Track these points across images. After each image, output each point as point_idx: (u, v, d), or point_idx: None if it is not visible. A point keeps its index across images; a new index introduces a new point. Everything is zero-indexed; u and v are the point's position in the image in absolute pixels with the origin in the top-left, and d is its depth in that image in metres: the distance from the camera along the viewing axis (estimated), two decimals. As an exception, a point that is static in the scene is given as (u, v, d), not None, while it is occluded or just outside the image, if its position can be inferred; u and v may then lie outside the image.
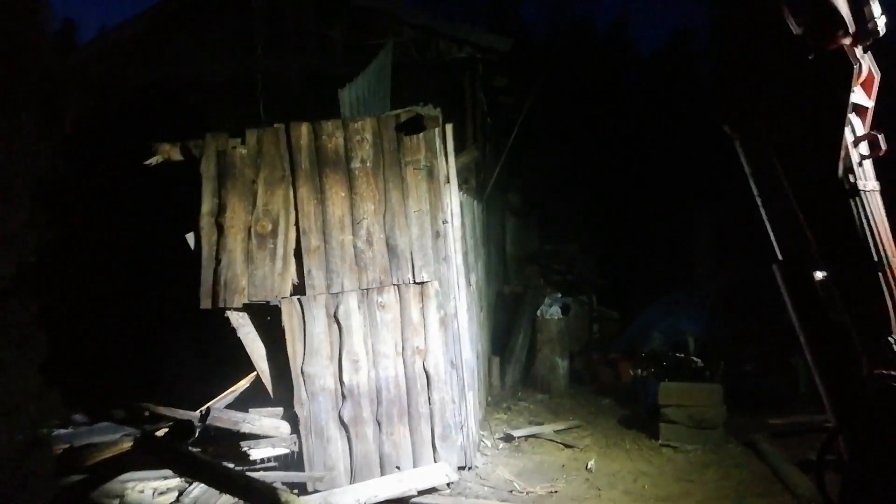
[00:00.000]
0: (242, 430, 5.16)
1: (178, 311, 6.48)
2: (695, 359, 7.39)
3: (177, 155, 5.61)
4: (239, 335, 5.43)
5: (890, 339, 2.41)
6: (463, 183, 7.35)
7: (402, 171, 5.53)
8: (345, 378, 5.36)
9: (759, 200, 2.82)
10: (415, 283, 5.44)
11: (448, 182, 5.70)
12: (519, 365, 9.14)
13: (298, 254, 5.49)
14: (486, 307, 8.48)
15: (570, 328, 9.53)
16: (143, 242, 7.51)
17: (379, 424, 5.40)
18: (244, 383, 5.59)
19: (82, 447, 5.08)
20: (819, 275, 2.66)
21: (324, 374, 5.36)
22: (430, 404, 5.45)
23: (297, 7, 8.61)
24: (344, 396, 5.37)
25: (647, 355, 7.99)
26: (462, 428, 5.56)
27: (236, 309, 5.41)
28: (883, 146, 2.49)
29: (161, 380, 6.41)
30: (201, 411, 5.15)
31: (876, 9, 2.41)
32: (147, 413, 5.26)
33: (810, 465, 5.49)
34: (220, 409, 5.21)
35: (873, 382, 2.43)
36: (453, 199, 5.77)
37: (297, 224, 5.51)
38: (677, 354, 7.62)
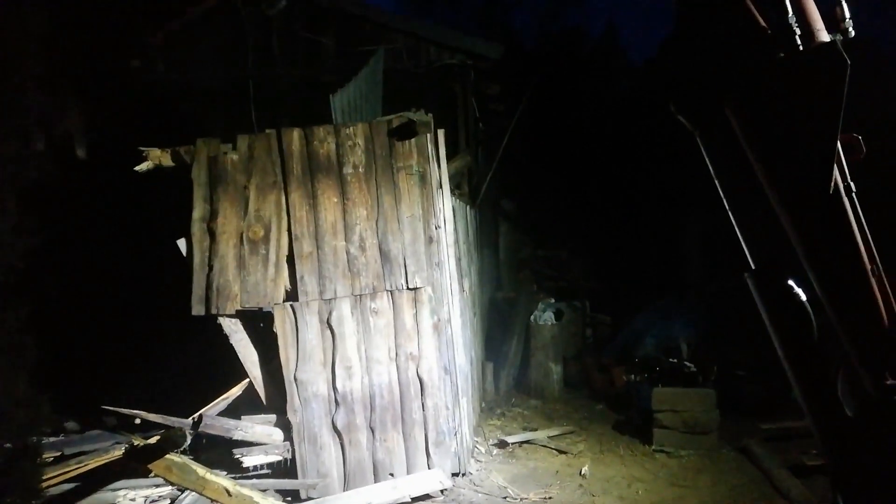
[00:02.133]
0: (235, 438, 5.12)
1: (171, 317, 6.45)
2: (687, 364, 7.40)
3: (168, 161, 5.59)
4: (231, 342, 5.39)
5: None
6: (455, 188, 7.35)
7: (394, 176, 5.53)
8: (338, 384, 5.33)
9: (726, 203, 2.60)
10: (408, 288, 5.42)
11: (441, 187, 5.70)
12: (513, 370, 9.13)
13: (291, 260, 5.47)
14: (480, 313, 8.47)
15: (564, 333, 9.53)
16: (135, 249, 7.46)
17: (372, 431, 5.37)
18: (236, 390, 5.55)
19: (73, 455, 5.02)
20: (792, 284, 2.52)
21: (317, 381, 5.33)
22: (423, 410, 5.42)
23: (288, 15, 8.60)
24: (337, 403, 5.34)
25: (640, 361, 7.99)
26: (456, 434, 5.54)
27: (228, 315, 5.37)
28: (863, 148, 2.41)
29: (153, 387, 6.36)
30: (193, 418, 5.11)
31: (846, 10, 2.37)
32: (138, 420, 5.21)
33: (803, 469, 5.52)
34: (213, 417, 5.17)
35: (884, 395, 2.33)
36: (446, 204, 5.77)
37: (289, 230, 5.49)
38: (670, 360, 7.62)
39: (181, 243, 5.44)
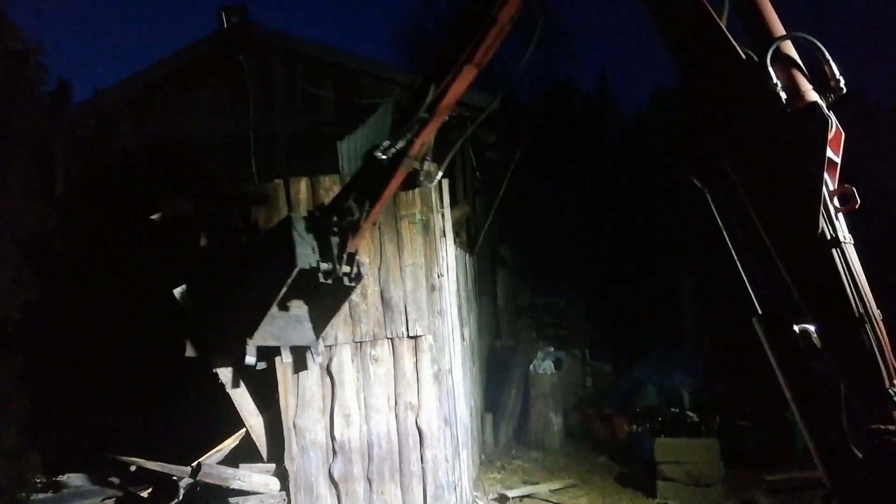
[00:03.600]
0: (232, 487, 5.00)
1: (166, 364, 6.44)
2: (690, 414, 7.31)
3: (187, 208, 5.71)
4: (228, 391, 5.32)
5: (891, 391, 2.38)
6: (454, 237, 7.38)
7: (397, 224, 5.55)
8: (336, 433, 5.26)
9: (734, 253, 2.78)
10: (408, 336, 5.38)
11: (444, 236, 5.73)
12: (512, 421, 8.98)
13: (293, 305, 5.46)
14: (479, 361, 8.39)
15: (564, 383, 9.43)
16: (131, 298, 7.43)
17: (370, 482, 5.25)
18: (230, 442, 5.42)
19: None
20: (799, 328, 2.61)
21: (315, 428, 5.26)
22: (422, 462, 5.31)
23: (287, 68, 8.80)
24: (335, 452, 5.25)
25: (641, 410, 7.91)
26: (455, 489, 5.41)
27: (225, 366, 5.32)
28: (857, 199, 2.52)
29: (148, 434, 6.25)
30: (192, 466, 5.01)
31: (835, 69, 2.52)
32: (134, 468, 5.12)
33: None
34: (211, 465, 5.04)
35: (870, 438, 2.38)
36: (449, 252, 5.78)
37: (293, 276, 5.48)
38: (672, 409, 7.53)
39: (177, 292, 5.42)
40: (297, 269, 4.21)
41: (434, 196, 5.61)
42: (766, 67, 2.48)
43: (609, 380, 10.39)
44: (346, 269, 4.39)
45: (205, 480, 4.88)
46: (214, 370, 5.29)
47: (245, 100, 8.51)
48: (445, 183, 5.84)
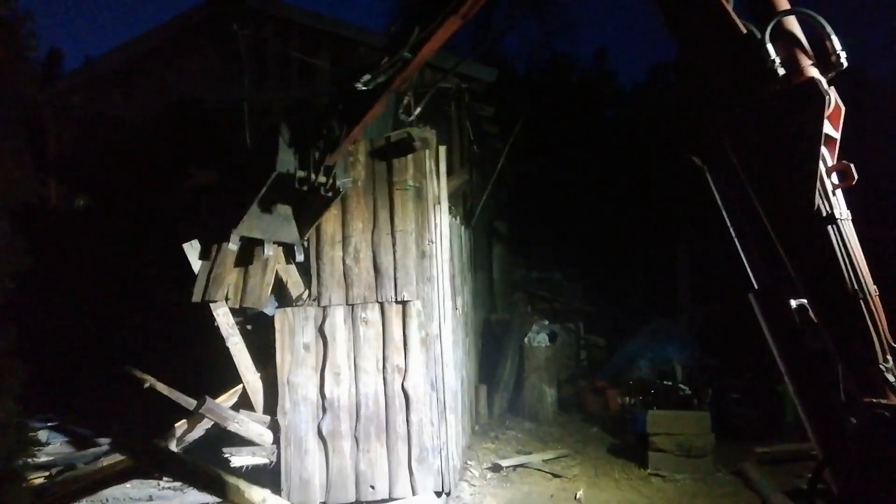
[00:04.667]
0: (230, 428, 5.15)
1: (163, 324, 6.53)
2: (682, 386, 7.36)
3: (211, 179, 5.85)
4: (228, 345, 5.41)
5: (881, 366, 2.40)
6: (451, 208, 7.37)
7: (390, 191, 5.59)
8: (326, 391, 5.38)
9: (732, 230, 2.81)
10: (397, 301, 5.44)
11: (438, 203, 5.73)
12: (506, 393, 9.06)
13: (291, 267, 5.57)
14: (473, 334, 8.42)
15: (558, 356, 9.48)
16: (132, 261, 7.47)
17: (356, 440, 5.35)
18: (226, 398, 5.48)
19: (61, 472, 4.97)
20: (795, 303, 2.64)
21: (307, 385, 5.40)
22: (408, 425, 5.37)
23: (282, 37, 8.67)
24: (324, 409, 5.37)
25: (634, 383, 7.95)
26: (441, 452, 5.46)
27: (226, 321, 5.40)
28: (854, 175, 2.50)
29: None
30: (198, 400, 5.15)
31: (837, 43, 2.48)
32: (147, 385, 5.34)
33: (799, 493, 5.48)
34: (213, 402, 5.17)
35: (862, 411, 2.41)
36: (443, 220, 5.78)
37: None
38: (665, 382, 7.59)
39: (187, 247, 5.46)
40: (275, 173, 4.54)
41: (429, 162, 5.62)
42: (766, 43, 2.45)
43: (603, 353, 10.46)
44: (322, 179, 4.75)
45: (207, 415, 5.09)
46: (215, 323, 5.36)
47: (239, 69, 8.39)
48: (443, 150, 5.82)
